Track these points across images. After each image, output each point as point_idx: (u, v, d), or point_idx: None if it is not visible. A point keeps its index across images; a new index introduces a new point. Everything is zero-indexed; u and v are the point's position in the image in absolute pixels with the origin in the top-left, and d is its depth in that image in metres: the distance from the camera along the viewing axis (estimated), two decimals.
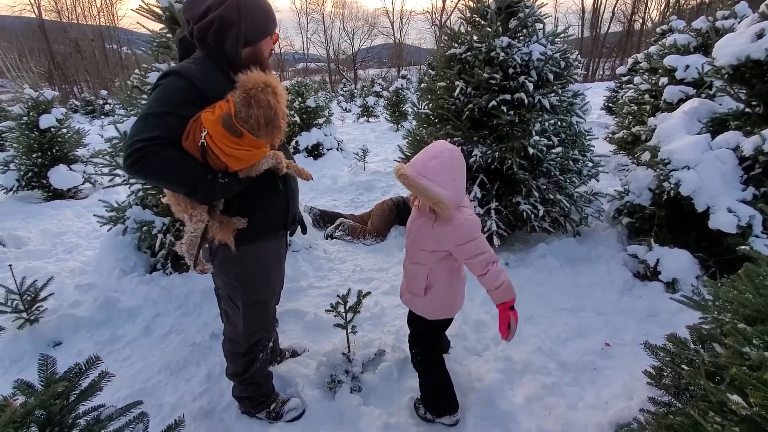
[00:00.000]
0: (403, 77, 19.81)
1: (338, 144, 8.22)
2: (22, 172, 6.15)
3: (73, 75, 36.33)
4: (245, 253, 1.61)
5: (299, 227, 1.87)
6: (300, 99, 8.02)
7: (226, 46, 1.45)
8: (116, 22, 38.97)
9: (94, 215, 3.68)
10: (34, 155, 6.11)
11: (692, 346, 1.40)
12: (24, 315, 2.72)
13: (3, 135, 7.30)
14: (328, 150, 7.96)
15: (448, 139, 3.56)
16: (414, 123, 4.44)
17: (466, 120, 3.56)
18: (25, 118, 6.14)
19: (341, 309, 2.03)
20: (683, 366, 1.34)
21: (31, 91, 6.21)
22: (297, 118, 8.05)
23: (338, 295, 2.04)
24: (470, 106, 3.47)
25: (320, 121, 8.22)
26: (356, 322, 2.36)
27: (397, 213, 4.31)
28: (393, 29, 45.37)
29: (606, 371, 2.28)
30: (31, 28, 33.92)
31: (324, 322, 2.74)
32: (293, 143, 7.94)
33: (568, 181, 3.52)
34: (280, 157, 1.50)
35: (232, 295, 1.74)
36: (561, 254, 3.41)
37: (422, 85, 4.32)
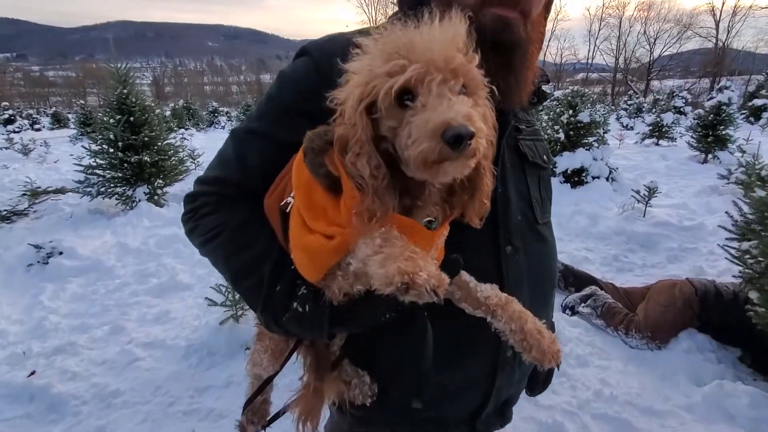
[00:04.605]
0: (725, 89, 14.57)
1: (610, 173, 6.38)
2: None
3: None
4: None
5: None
6: (571, 111, 6.59)
7: None
8: None
9: None
10: None
11: None
12: (231, 310, 2.78)
13: None
14: (593, 178, 6.26)
15: None
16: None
17: None
18: None
19: None
20: None
21: None
22: (562, 135, 6.67)
23: None
24: None
25: (591, 140, 6.56)
26: None
27: (700, 310, 2.58)
28: (717, 30, 35.62)
29: None
30: None
31: None
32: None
33: None
34: (440, 282, 0.48)
35: None
36: None
37: None
